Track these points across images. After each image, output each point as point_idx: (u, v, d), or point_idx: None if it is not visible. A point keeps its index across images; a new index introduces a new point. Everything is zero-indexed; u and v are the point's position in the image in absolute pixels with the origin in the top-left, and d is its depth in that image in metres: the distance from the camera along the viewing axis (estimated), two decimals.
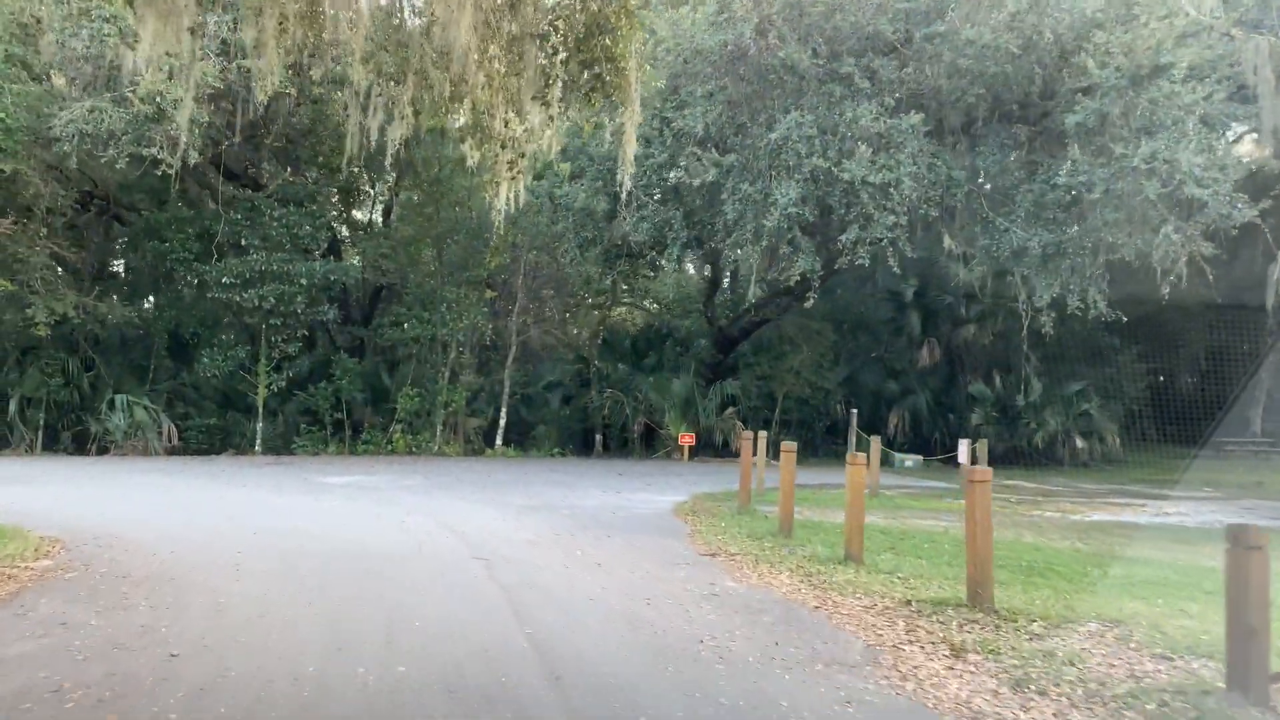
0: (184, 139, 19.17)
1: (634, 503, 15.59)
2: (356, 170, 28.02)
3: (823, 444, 28.47)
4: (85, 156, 19.65)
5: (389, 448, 24.44)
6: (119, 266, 26.18)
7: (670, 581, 9.28)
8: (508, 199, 10.88)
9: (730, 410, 26.16)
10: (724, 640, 7.10)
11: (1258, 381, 29.33)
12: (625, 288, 26.92)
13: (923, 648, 7.10)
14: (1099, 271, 17.51)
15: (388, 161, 25.37)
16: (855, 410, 26.14)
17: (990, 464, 22.33)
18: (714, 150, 17.79)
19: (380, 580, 8.83)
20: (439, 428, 24.93)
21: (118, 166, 19.20)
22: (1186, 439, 28.03)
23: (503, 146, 10.03)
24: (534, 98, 9.42)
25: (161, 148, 19.08)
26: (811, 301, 19.12)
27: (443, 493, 16.20)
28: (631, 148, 10.86)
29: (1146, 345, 30.49)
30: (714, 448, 26.38)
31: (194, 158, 19.57)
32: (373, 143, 14.74)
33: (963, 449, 20.22)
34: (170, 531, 11.48)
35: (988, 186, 18.26)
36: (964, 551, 8.51)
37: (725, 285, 29.03)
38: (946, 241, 18.12)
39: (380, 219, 29.21)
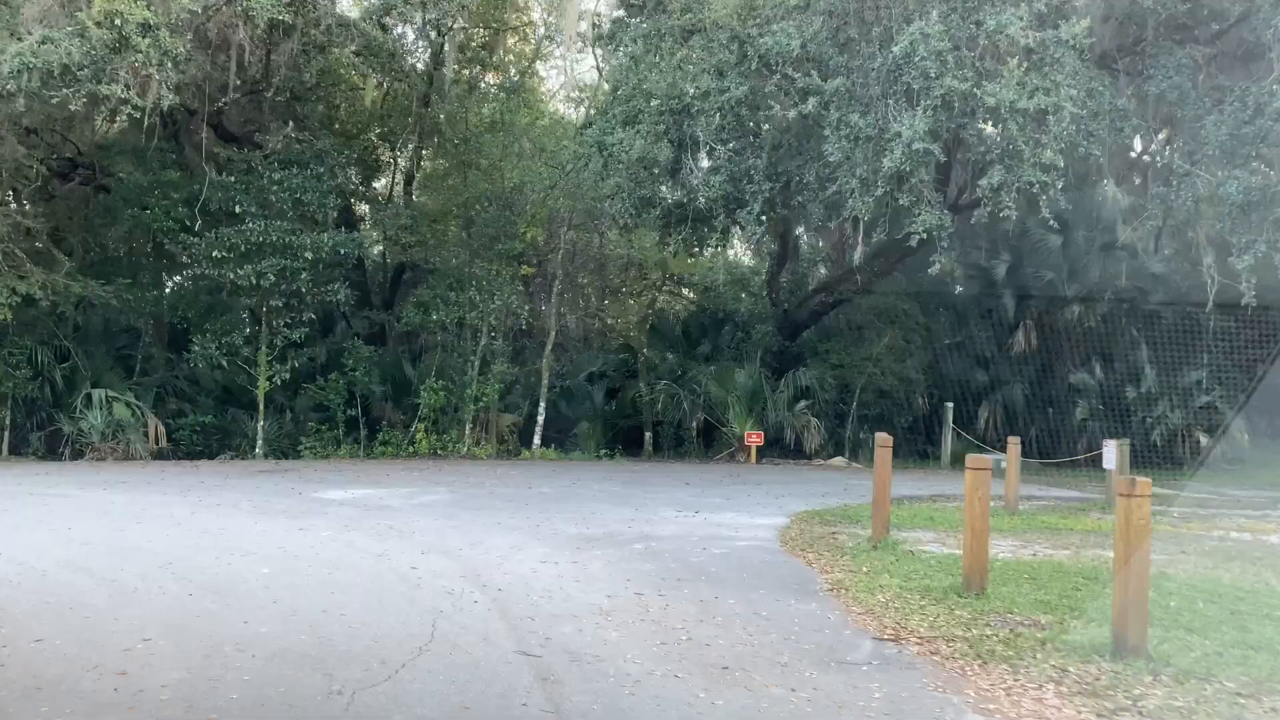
0: (155, 75, 15.10)
1: (722, 529, 11.37)
2: (374, 138, 24.00)
3: (905, 442, 24.07)
4: (37, 102, 15.59)
5: (410, 449, 20.31)
6: (105, 243, 22.10)
7: (870, 713, 5.08)
8: None
9: (802, 405, 21.85)
10: None
11: None
12: (693, 255, 22.56)
13: None
14: None
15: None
16: (950, 404, 21.82)
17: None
18: (813, 73, 13.50)
19: None
20: (468, 426, 20.78)
21: (72, 108, 15.11)
22: None
23: None
24: None
25: (128, 86, 14.99)
26: (938, 267, 14.77)
27: (471, 515, 12.03)
28: None
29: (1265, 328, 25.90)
30: (783, 447, 22.10)
31: (168, 99, 15.47)
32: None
33: (1110, 451, 15.84)
34: (44, 597, 7.37)
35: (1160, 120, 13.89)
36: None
37: (804, 250, 24.52)
38: (1110, 189, 13.81)
39: (401, 189, 25.04)
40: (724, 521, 11.96)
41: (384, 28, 19.39)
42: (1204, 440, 23.39)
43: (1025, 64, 12.28)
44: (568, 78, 25.36)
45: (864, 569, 9.06)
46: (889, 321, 23.70)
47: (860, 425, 23.22)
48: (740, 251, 30.79)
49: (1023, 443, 23.94)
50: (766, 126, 14.66)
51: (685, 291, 28.28)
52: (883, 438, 10.91)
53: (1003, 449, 23.23)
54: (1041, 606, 7.72)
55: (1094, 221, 24.43)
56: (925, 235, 13.43)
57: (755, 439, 21.18)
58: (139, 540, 9.80)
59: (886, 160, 12.64)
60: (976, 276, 24.98)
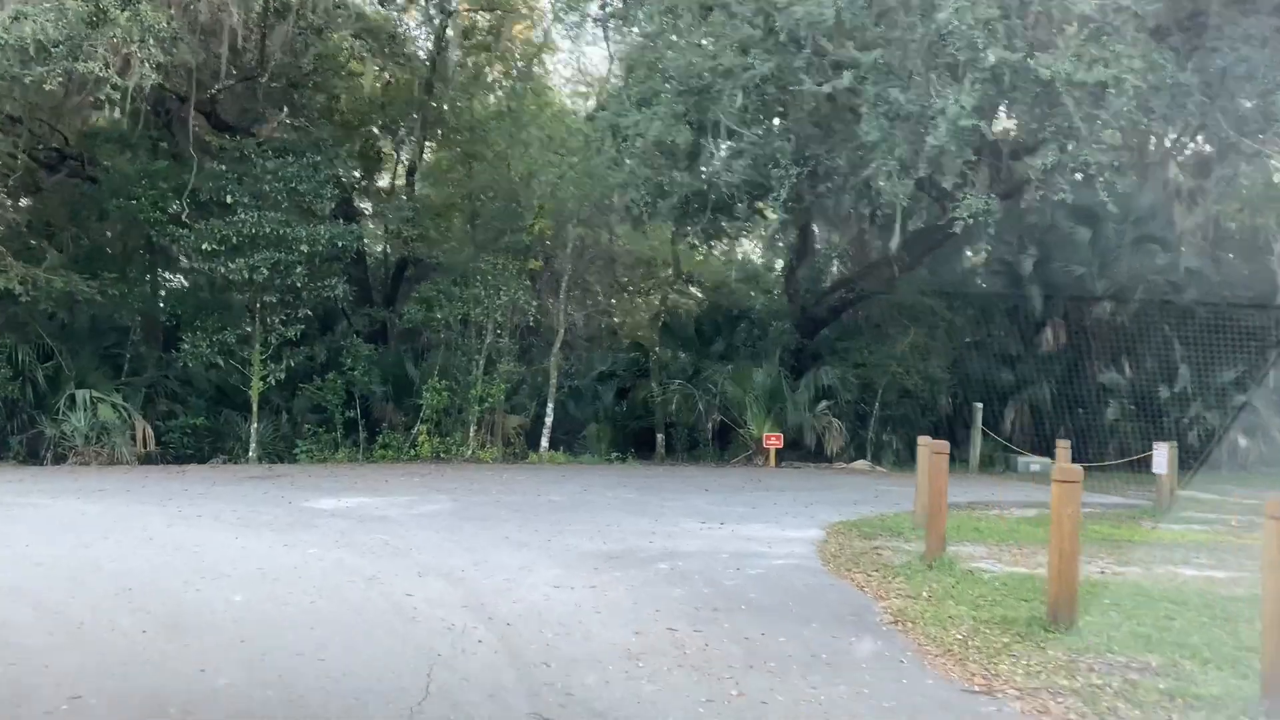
0: (136, 52, 13.92)
1: (753, 543, 10.15)
2: (376, 130, 22.81)
3: None
4: (14, 84, 14.39)
5: (411, 452, 19.09)
6: (94, 237, 20.86)
7: None
8: None
9: (823, 405, 20.60)
10: None
11: None
12: (711, 246, 21.31)
13: None
14: None
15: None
16: (979, 405, 20.57)
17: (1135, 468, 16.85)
18: (848, 45, 12.26)
19: None
20: (472, 428, 19.56)
21: (47, 88, 13.92)
22: None
23: None
24: None
25: (107, 64, 13.80)
26: (983, 256, 13.51)
27: (475, 527, 10.82)
28: None
29: None
30: (803, 450, 20.85)
31: (151, 78, 14.28)
32: None
33: (1161, 454, 14.65)
34: None
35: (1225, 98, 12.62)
36: None
37: (821, 247, 23.21)
38: (1172, 171, 12.57)
39: (404, 180, 23.81)
40: (753, 534, 10.75)
41: (383, 2, 18.16)
42: (1243, 443, 22.16)
43: (1084, 33, 11.08)
44: (577, 64, 24.13)
45: (924, 594, 7.84)
46: (912, 318, 22.44)
47: (882, 427, 21.99)
48: (751, 249, 29.57)
49: (1049, 444, 22.95)
50: (797, 99, 13.39)
51: (693, 289, 27.01)
52: (936, 443, 9.71)
53: (1030, 451, 22.14)
54: (1142, 643, 6.51)
55: (1125, 213, 23.20)
56: (970, 221, 12.21)
57: (774, 441, 19.95)
58: (101, 559, 8.61)
59: (930, 139, 11.40)
60: (1002, 272, 23.70)
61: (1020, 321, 23.75)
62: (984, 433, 20.99)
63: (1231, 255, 22.73)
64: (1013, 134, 13.72)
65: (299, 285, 17.90)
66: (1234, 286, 23.15)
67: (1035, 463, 21.53)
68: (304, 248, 17.59)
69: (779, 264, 28.05)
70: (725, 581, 8.13)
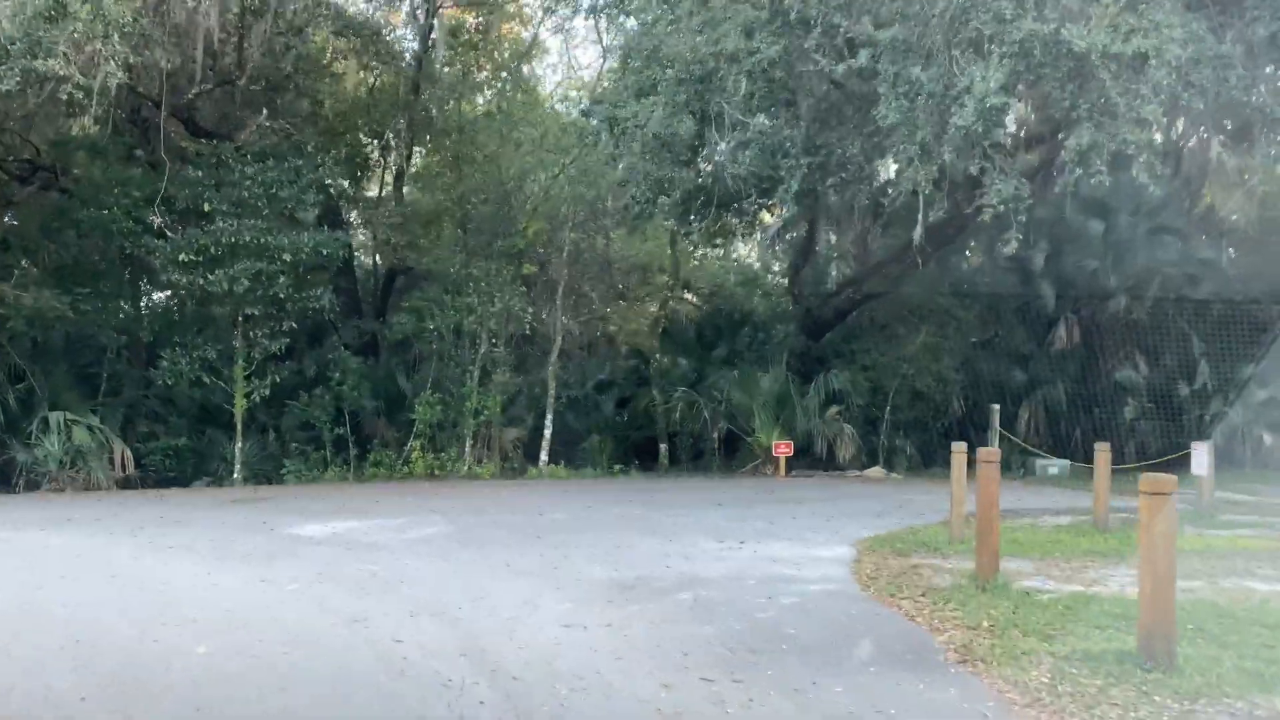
0: (100, 49, 12.90)
1: (780, 566, 9.13)
2: (362, 136, 21.78)
3: (941, 449, 21.81)
4: None
5: (405, 470, 18.03)
6: (69, 250, 19.74)
7: None
8: None
9: (834, 410, 19.60)
10: None
11: None
12: (717, 246, 20.31)
13: None
14: None
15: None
16: (996, 406, 19.56)
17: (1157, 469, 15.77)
18: (866, 20, 11.28)
19: None
20: (468, 443, 18.52)
21: (4, 90, 12.84)
22: None
23: None
24: None
25: (68, 60, 12.77)
26: (1014, 245, 12.48)
27: (473, 553, 9.79)
28: None
29: None
30: (813, 457, 19.83)
31: (116, 77, 13.25)
32: None
33: (1201, 454, 13.67)
34: None
35: (1268, 69, 11.69)
36: None
37: (821, 249, 22.18)
38: (1214, 151, 11.61)
39: (392, 186, 22.76)
40: (778, 555, 9.73)
41: None
42: (1268, 439, 21.19)
43: (1120, 2, 10.13)
44: (568, 64, 23.14)
45: (984, 623, 6.83)
46: (922, 318, 21.47)
47: (895, 431, 20.98)
48: (747, 252, 28.60)
49: (1065, 446, 21.99)
50: (808, 81, 12.42)
51: (688, 296, 25.95)
52: (986, 451, 8.70)
53: (1048, 452, 21.16)
54: (1256, 682, 5.52)
55: (1138, 204, 22.28)
56: (1001, 209, 11.24)
57: (784, 449, 18.93)
58: (54, 602, 7.57)
59: (956, 119, 10.42)
60: (1012, 268, 22.74)
61: (1032, 319, 22.81)
62: (1001, 434, 20.01)
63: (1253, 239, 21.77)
64: (1029, 120, 12.74)
65: (283, 297, 16.88)
66: (1251, 280, 22.28)
67: (1054, 465, 20.60)
68: (287, 257, 16.59)
69: (776, 266, 27.11)
70: (758, 614, 7.11)
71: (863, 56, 11.18)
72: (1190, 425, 21.12)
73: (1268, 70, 11.74)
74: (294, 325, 17.64)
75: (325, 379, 18.55)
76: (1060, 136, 11.95)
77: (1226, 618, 7.24)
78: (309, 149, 17.86)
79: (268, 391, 17.43)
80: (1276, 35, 10.90)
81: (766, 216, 22.44)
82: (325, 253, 17.34)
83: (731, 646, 6.21)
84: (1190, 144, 21.00)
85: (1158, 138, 10.86)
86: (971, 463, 15.93)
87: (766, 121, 12.98)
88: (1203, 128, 11.69)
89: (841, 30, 11.42)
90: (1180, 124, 18.87)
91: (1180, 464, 14.30)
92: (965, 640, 6.40)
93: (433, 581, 8.32)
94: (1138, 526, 5.99)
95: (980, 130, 10.47)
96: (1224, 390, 21.46)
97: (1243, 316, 21.78)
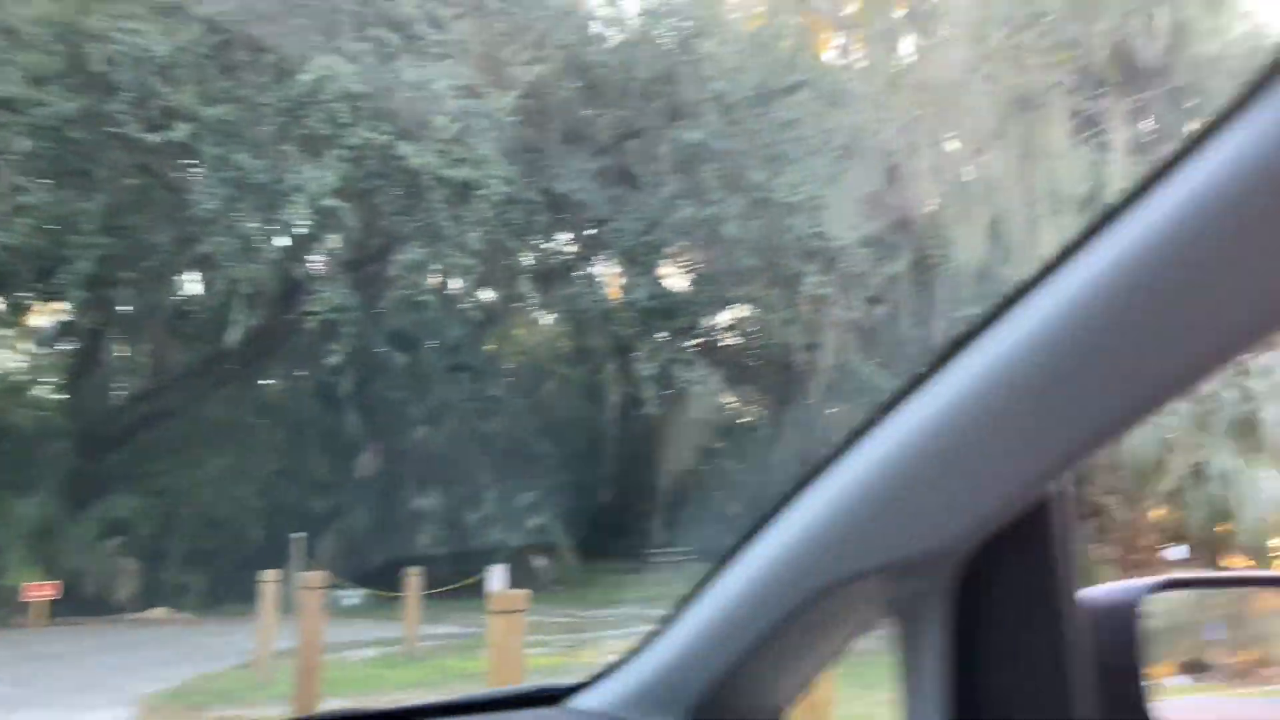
0: None
1: None
2: None
3: (238, 583, 19.77)
4: None
5: None
6: None
7: None
8: None
9: (114, 542, 16.54)
10: None
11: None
12: None
13: None
14: None
15: None
16: (302, 534, 18.33)
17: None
18: (187, 90, 9.59)
19: None
20: None
21: None
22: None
23: None
24: None
25: None
26: (340, 358, 11.52)
27: None
28: None
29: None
30: (84, 600, 16.41)
31: None
32: None
33: (496, 575, 14.13)
34: None
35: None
36: None
37: (126, 348, 18.94)
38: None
39: None
40: None
41: None
42: (540, 563, 23.13)
43: (456, 126, 10.25)
44: None
45: None
46: (225, 439, 19.58)
47: (186, 565, 18.48)
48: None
49: (368, 574, 21.55)
50: (103, 163, 10.37)
51: None
52: (310, 577, 7.56)
53: (346, 581, 20.40)
54: None
55: (441, 341, 23.36)
56: (329, 318, 10.39)
57: (42, 592, 15.33)
58: None
59: (287, 214, 9.43)
60: (322, 392, 22.06)
61: (340, 445, 22.31)
62: (313, 565, 18.81)
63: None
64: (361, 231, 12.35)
65: None
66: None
67: (353, 595, 19.95)
68: None
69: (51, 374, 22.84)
70: None
71: (182, 130, 9.68)
72: (480, 554, 22.25)
73: None
74: None
75: None
76: (391, 255, 11.70)
77: None
78: None
79: None
80: (573, 193, 12.08)
81: (39, 318, 18.81)
82: None
83: None
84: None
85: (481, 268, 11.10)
86: (249, 595, 14.28)
87: (53, 187, 10.55)
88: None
89: (160, 98, 9.80)
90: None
91: (475, 589, 14.69)
92: None
93: None
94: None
95: (314, 231, 9.67)
96: (505, 517, 23.12)
97: (518, 449, 23.87)
